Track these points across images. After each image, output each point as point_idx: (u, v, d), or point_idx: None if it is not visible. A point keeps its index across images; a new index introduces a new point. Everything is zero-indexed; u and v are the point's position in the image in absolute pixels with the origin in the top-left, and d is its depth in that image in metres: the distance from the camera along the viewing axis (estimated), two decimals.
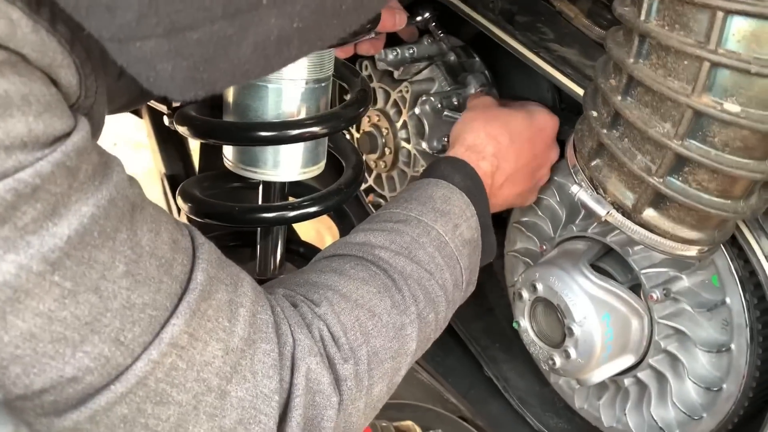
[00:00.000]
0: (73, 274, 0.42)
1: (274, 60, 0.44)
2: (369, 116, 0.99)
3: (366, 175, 1.03)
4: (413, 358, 0.64)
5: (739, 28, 0.53)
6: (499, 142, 0.78)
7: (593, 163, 0.66)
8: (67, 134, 0.42)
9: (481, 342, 1.03)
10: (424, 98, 0.92)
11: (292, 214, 0.73)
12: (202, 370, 0.48)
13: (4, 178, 0.39)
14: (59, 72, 0.42)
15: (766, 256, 0.69)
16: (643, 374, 0.82)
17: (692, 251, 0.64)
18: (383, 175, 1.03)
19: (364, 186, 1.05)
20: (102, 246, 0.43)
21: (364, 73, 0.99)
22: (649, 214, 0.63)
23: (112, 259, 0.44)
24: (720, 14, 0.53)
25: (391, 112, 0.98)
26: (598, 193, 0.66)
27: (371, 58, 0.97)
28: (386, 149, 0.99)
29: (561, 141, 0.85)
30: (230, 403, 0.50)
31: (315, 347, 0.55)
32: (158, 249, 0.47)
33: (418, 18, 0.93)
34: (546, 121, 0.82)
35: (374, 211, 1.11)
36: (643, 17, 0.57)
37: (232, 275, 0.53)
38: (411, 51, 0.93)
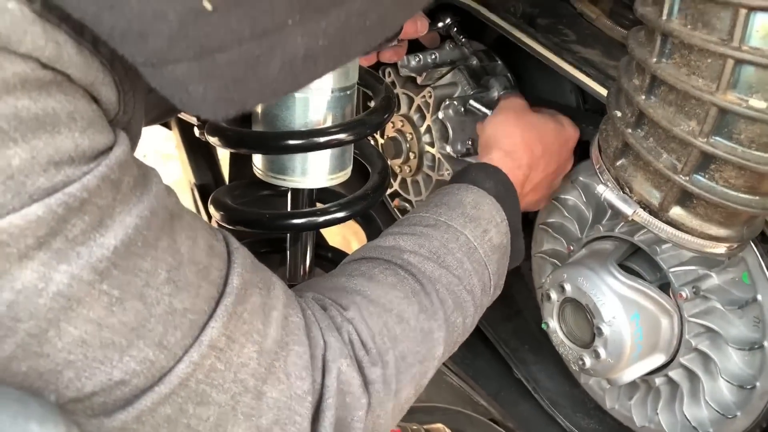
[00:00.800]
0: (120, 282, 0.44)
1: (301, 77, 0.46)
2: (393, 122, 1.00)
3: (391, 179, 1.04)
4: (440, 361, 0.64)
5: (762, 25, 0.53)
6: (533, 152, 0.79)
7: (619, 163, 0.66)
8: (109, 148, 0.44)
9: (510, 344, 1.03)
10: (447, 102, 0.93)
11: (320, 219, 0.74)
12: (239, 371, 0.50)
13: (54, 192, 0.41)
14: (100, 89, 0.44)
15: None
16: (674, 373, 0.81)
17: (721, 248, 0.64)
18: (408, 180, 1.04)
19: (389, 191, 1.06)
20: (145, 255, 0.45)
21: (388, 80, 1.00)
22: (676, 212, 0.63)
23: (155, 267, 0.46)
24: (743, 11, 0.53)
25: (415, 117, 0.99)
26: (624, 192, 0.66)
27: (394, 65, 0.98)
28: (411, 154, 1.00)
29: (585, 142, 0.85)
30: (266, 404, 0.51)
31: (345, 350, 0.56)
32: (196, 255, 0.49)
33: (440, 24, 0.94)
34: (572, 133, 0.84)
35: (400, 215, 1.13)
36: (665, 16, 0.58)
37: (264, 279, 0.54)
38: (433, 56, 0.94)
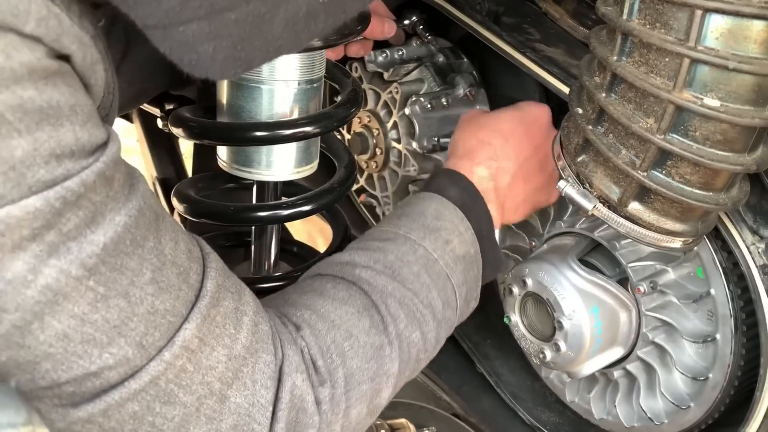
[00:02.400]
0: (107, 279, 0.44)
1: (303, 34, 0.47)
2: (360, 117, 1.00)
3: (358, 175, 1.05)
4: (397, 379, 0.62)
5: (716, 26, 0.55)
6: (492, 145, 0.77)
7: (579, 159, 0.68)
8: (105, 143, 0.45)
9: (473, 338, 1.05)
10: (413, 99, 0.94)
11: (285, 212, 0.74)
12: (207, 374, 0.50)
13: (53, 185, 0.41)
14: (95, 71, 0.44)
15: (748, 248, 0.71)
16: (632, 366, 0.83)
17: (677, 243, 0.66)
18: (374, 176, 1.04)
19: (355, 186, 1.06)
20: (132, 253, 0.46)
21: (354, 75, 1.00)
22: (635, 207, 0.65)
23: (140, 267, 0.46)
24: (698, 12, 0.55)
25: (382, 113, 0.99)
26: (584, 188, 0.68)
27: (361, 60, 0.99)
28: (377, 150, 1.00)
29: None
30: (228, 408, 0.51)
31: (302, 365, 0.56)
32: (178, 257, 0.49)
33: (406, 21, 0.94)
34: (537, 112, 0.81)
35: (366, 211, 1.13)
36: (625, 16, 0.59)
37: (236, 284, 0.55)
38: (400, 53, 0.95)
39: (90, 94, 0.45)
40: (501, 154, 0.77)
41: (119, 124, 1.55)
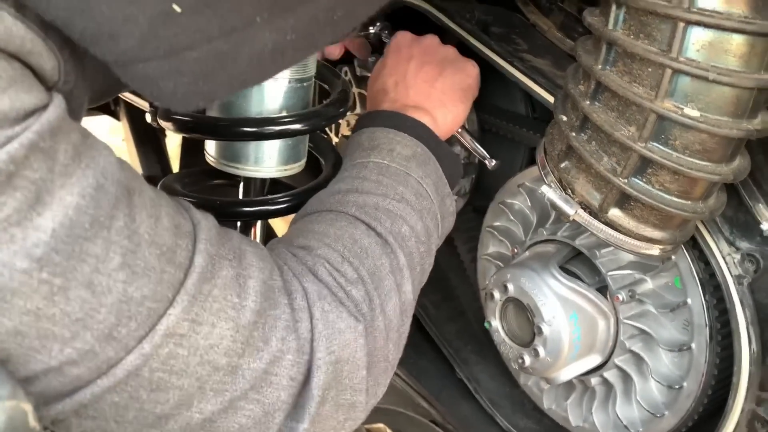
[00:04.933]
0: (63, 269, 0.40)
1: (268, 69, 0.47)
2: (348, 121, 1.01)
3: None
4: (410, 273, 0.63)
5: (698, 38, 0.57)
6: (384, 88, 0.79)
7: (562, 165, 0.69)
8: (41, 108, 0.40)
9: (454, 344, 1.05)
10: None
11: (271, 208, 0.75)
12: (207, 353, 0.47)
13: None
14: (30, 58, 0.41)
15: (724, 258, 0.72)
16: (609, 374, 0.84)
17: (655, 250, 0.68)
18: None
19: None
20: (95, 237, 0.41)
21: (344, 78, 1.01)
22: (615, 213, 0.66)
23: (106, 251, 0.42)
24: (681, 24, 0.56)
25: None
26: (566, 193, 0.69)
27: (351, 64, 1.00)
28: None
29: (532, 148, 0.88)
30: (242, 376, 0.49)
31: (324, 290, 0.55)
32: (159, 236, 0.45)
33: (371, 30, 0.94)
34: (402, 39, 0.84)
35: None
36: (610, 26, 0.61)
37: (233, 248, 0.51)
38: None
39: (23, 62, 0.40)
40: (385, 73, 0.79)
41: (105, 123, 1.55)
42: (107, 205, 0.42)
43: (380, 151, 0.69)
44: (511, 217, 0.92)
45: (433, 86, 0.79)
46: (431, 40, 0.85)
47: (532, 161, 0.88)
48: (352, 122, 1.01)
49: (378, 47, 0.96)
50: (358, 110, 1.01)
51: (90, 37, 0.40)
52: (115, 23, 0.39)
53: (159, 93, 0.43)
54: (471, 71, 0.84)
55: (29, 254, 0.39)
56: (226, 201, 0.75)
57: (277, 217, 0.80)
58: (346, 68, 1.02)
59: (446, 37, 0.94)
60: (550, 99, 0.80)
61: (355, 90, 1.01)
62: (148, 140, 1.27)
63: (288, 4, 0.43)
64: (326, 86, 0.80)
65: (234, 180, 0.81)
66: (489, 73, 0.89)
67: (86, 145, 0.43)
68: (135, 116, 1.26)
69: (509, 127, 0.93)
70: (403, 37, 0.85)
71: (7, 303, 0.39)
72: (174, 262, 0.46)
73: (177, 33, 0.40)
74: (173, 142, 1.30)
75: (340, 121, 1.02)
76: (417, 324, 1.06)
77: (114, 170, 0.44)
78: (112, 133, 1.76)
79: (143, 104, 0.91)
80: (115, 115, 1.38)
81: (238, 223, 0.80)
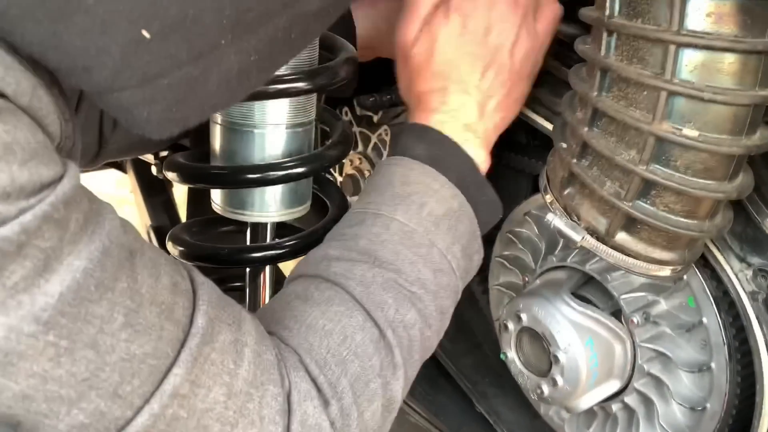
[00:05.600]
0: (69, 331, 0.41)
1: (237, 91, 0.48)
2: (351, 160, 1.02)
3: None
4: (406, 367, 0.60)
5: (690, 60, 0.57)
6: (438, 88, 0.67)
7: (566, 192, 0.69)
8: (57, 181, 0.41)
9: (471, 378, 1.04)
10: None
11: (279, 252, 0.75)
12: (203, 417, 0.47)
13: None
14: (46, 115, 0.42)
15: (736, 275, 0.72)
16: (629, 399, 0.83)
17: (666, 271, 0.67)
18: None
19: None
20: (100, 299, 0.42)
21: (344, 119, 1.02)
22: (622, 237, 0.66)
23: (110, 312, 0.43)
24: (672, 47, 0.57)
25: (372, 155, 1.01)
26: (572, 220, 0.69)
27: (350, 104, 1.01)
28: None
29: (535, 176, 0.88)
30: None
31: (312, 391, 0.54)
32: (158, 295, 0.46)
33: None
34: (466, 7, 0.66)
35: None
36: (603, 53, 0.62)
37: (233, 314, 0.52)
38: (388, 96, 0.97)
39: (43, 130, 0.42)
40: (452, 90, 0.67)
41: (113, 176, 1.57)
42: (112, 267, 0.43)
43: (409, 206, 0.63)
44: (520, 246, 0.92)
45: (494, 108, 0.68)
46: None
47: (536, 189, 0.88)
48: (356, 161, 1.02)
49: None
50: (360, 149, 1.02)
51: (65, 70, 0.41)
52: (88, 55, 0.40)
53: (133, 120, 0.44)
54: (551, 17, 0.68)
55: (37, 318, 0.40)
56: (234, 248, 0.76)
57: (284, 261, 0.80)
58: (346, 108, 1.03)
59: None
60: (550, 126, 0.80)
61: (356, 129, 1.02)
62: (155, 191, 1.28)
63: (249, 26, 0.44)
64: (327, 128, 0.81)
65: (241, 226, 0.81)
66: None
67: (94, 210, 0.44)
68: (141, 168, 1.28)
69: (511, 156, 0.93)
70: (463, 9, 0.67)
71: (14, 367, 0.40)
72: (172, 320, 0.47)
73: (149, 61, 0.41)
74: (180, 191, 1.32)
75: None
76: (433, 359, 1.04)
77: (118, 233, 0.45)
78: (119, 185, 1.79)
79: (149, 157, 0.93)
80: (122, 168, 1.39)
81: (247, 271, 0.80)
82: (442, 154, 0.67)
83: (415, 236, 0.63)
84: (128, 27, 0.40)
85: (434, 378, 1.05)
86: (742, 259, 0.72)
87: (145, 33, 0.40)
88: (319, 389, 0.55)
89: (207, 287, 0.51)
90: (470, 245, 0.67)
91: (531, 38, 0.70)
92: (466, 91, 0.68)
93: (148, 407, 0.45)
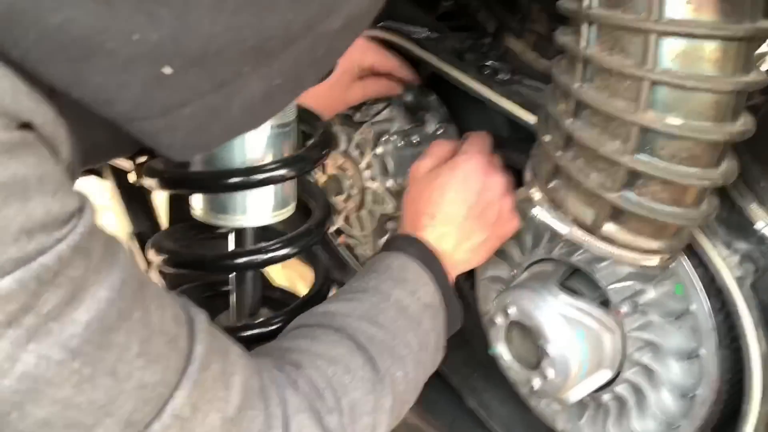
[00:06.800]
0: (92, 359, 0.42)
1: (260, 115, 0.48)
2: (333, 159, 1.01)
3: (336, 217, 1.05)
4: (390, 416, 0.64)
5: (671, 48, 0.57)
6: (429, 213, 0.79)
7: (551, 185, 0.69)
8: (79, 210, 0.42)
9: (461, 372, 1.04)
10: (385, 138, 0.95)
11: (265, 257, 0.74)
12: None
13: (26, 263, 0.39)
14: (59, 133, 0.42)
15: (722, 261, 0.72)
16: (620, 388, 0.83)
17: (654, 260, 0.67)
18: (352, 216, 1.05)
19: (334, 228, 1.07)
20: (119, 328, 0.44)
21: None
22: (609, 228, 0.66)
23: (128, 341, 0.44)
24: (653, 36, 0.57)
25: (355, 153, 1.00)
26: (558, 212, 0.69)
27: None
28: (353, 190, 1.01)
29: (520, 170, 0.88)
30: None
31: (304, 402, 0.56)
32: (165, 325, 0.48)
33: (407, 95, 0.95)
34: (469, 160, 0.81)
35: (346, 252, 1.13)
36: (583, 44, 0.61)
37: (222, 344, 0.54)
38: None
39: (58, 158, 0.43)
40: (440, 219, 0.79)
41: (89, 184, 1.54)
42: (129, 296, 0.45)
43: (404, 288, 0.71)
44: None
45: (470, 247, 0.81)
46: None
47: (520, 183, 0.88)
48: (338, 161, 1.01)
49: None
50: (342, 148, 1.01)
51: (87, 102, 0.42)
52: (110, 90, 0.41)
53: (158, 145, 0.45)
54: (505, 231, 0.85)
55: (65, 346, 0.41)
56: (218, 255, 0.74)
57: (270, 265, 0.79)
58: None
59: (421, 67, 0.95)
60: (531, 119, 0.80)
61: (337, 128, 1.01)
62: (135, 197, 1.26)
63: (272, 51, 0.44)
64: (307, 129, 0.80)
65: (224, 231, 0.80)
66: (468, 101, 0.89)
67: (109, 242, 0.45)
68: (120, 174, 1.25)
69: (495, 151, 0.93)
70: (462, 166, 0.81)
71: (41, 393, 0.41)
72: (177, 349, 0.49)
73: (170, 94, 0.42)
74: (161, 196, 1.30)
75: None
76: None
77: (132, 264, 0.47)
78: (97, 193, 1.75)
79: (126, 164, 0.91)
80: (99, 174, 1.37)
81: (233, 276, 0.79)
82: (429, 259, 0.76)
83: (408, 312, 0.70)
84: (149, 65, 0.40)
85: None
86: (728, 245, 0.72)
87: (165, 70, 0.40)
88: (323, 399, 0.58)
89: (201, 317, 0.53)
90: (440, 340, 0.74)
91: (504, 221, 0.84)
92: (451, 224, 0.79)
93: (149, 430, 0.46)
